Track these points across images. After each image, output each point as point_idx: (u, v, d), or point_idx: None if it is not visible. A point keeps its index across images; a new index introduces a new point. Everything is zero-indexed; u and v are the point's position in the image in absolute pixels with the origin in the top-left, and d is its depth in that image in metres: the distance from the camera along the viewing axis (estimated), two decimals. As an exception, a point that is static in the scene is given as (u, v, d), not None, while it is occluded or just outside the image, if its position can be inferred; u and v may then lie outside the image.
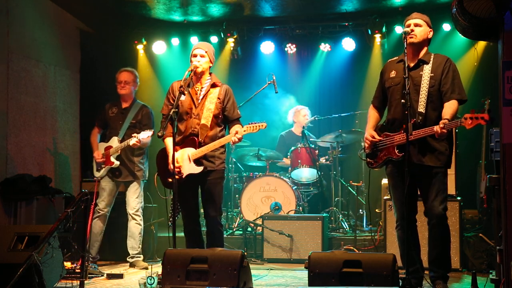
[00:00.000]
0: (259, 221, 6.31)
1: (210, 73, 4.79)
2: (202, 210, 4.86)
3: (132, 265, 5.81)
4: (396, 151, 4.21)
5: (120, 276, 5.22)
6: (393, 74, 4.34)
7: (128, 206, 5.86)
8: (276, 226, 6.17)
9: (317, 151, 7.16)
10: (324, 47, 8.15)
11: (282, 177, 6.90)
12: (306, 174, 7.11)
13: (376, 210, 6.67)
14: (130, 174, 5.83)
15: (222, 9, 7.53)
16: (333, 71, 8.36)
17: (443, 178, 4.18)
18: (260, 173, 7.08)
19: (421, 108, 4.14)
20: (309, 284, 3.81)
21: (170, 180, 4.58)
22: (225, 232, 6.39)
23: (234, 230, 6.82)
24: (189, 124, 4.66)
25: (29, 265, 3.94)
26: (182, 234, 4.81)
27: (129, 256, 5.85)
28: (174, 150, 4.39)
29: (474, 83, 7.34)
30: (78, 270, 4.72)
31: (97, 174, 5.84)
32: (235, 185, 7.22)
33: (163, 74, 8.34)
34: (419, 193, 4.31)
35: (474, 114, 3.95)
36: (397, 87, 4.27)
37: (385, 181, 6.04)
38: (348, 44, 7.98)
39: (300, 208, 6.79)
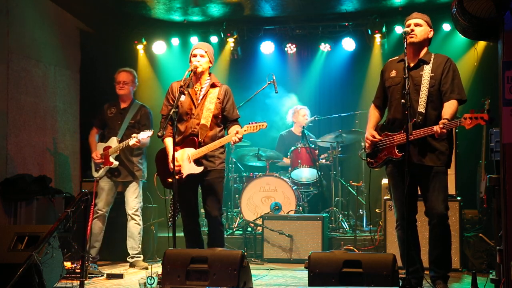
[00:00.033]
0: (259, 221, 6.31)
1: (209, 73, 4.79)
2: (202, 210, 4.85)
3: (132, 265, 5.81)
4: (396, 151, 4.21)
5: (120, 276, 5.21)
6: (393, 73, 4.34)
7: (127, 206, 5.86)
8: (276, 226, 6.17)
9: (317, 151, 7.17)
10: (324, 47, 8.14)
11: (282, 177, 6.90)
12: (306, 174, 7.11)
13: (376, 210, 6.67)
14: (129, 174, 5.83)
15: (222, 9, 7.53)
16: (333, 71, 8.36)
17: (443, 178, 4.18)
18: (260, 173, 7.08)
19: (421, 108, 4.14)
20: (309, 284, 3.81)
21: (170, 180, 4.58)
22: (225, 232, 6.38)
23: (234, 230, 6.81)
24: (189, 124, 4.66)
25: (29, 265, 3.93)
26: (182, 234, 4.81)
27: (129, 256, 5.85)
28: (174, 150, 4.39)
29: (474, 83, 7.33)
30: (78, 270, 4.71)
31: (95, 174, 5.84)
32: (235, 185, 7.22)
33: (163, 74, 8.33)
34: (419, 193, 4.32)
35: (473, 114, 3.96)
36: (397, 87, 4.27)
37: (385, 181, 6.04)
38: (348, 44, 7.98)
39: (300, 208, 6.78)
